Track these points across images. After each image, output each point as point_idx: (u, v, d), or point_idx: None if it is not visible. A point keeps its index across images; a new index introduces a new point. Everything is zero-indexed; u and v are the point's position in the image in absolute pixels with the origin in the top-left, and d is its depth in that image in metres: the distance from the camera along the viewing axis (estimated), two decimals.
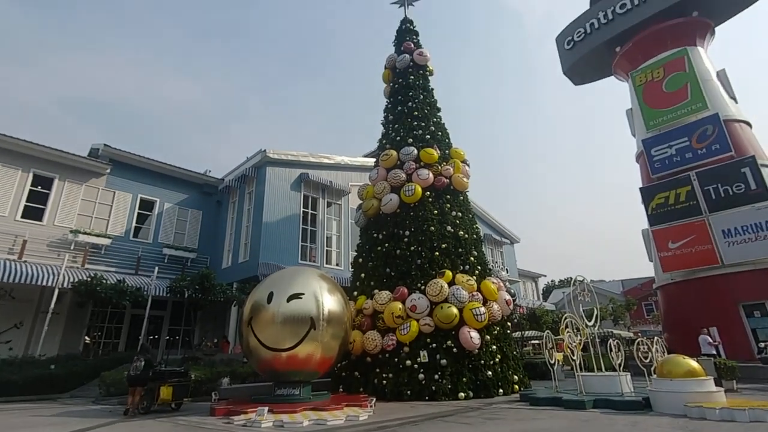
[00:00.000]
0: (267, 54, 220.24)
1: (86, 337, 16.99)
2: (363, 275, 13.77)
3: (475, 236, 13.92)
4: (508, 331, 13.29)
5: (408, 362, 11.10)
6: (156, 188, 20.84)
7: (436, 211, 13.50)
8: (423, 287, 11.97)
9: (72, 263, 16.83)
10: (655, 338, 10.15)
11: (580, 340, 10.33)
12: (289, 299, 8.95)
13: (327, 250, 21.66)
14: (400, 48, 17.48)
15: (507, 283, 17.14)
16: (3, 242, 15.81)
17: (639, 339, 10.38)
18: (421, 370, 10.91)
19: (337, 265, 21.70)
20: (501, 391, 11.08)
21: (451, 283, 11.92)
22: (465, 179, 14.64)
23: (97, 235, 17.95)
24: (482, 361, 11.22)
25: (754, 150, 18.57)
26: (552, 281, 69.27)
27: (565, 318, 10.68)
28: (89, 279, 15.12)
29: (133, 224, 19.74)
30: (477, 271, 12.92)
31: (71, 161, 18.08)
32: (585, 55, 25.34)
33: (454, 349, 11.13)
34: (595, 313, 11.09)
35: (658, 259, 19.25)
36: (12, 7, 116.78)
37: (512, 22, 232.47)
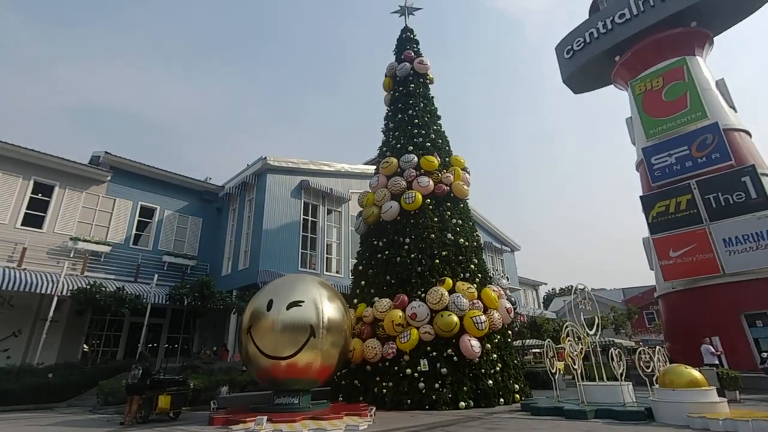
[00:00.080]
0: (268, 62, 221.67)
1: (85, 346, 16.90)
2: (363, 283, 13.74)
3: (475, 244, 13.91)
4: (509, 340, 13.22)
5: (408, 371, 11.03)
6: (156, 195, 20.85)
7: (436, 219, 13.50)
8: (423, 295, 11.93)
9: (71, 271, 16.79)
10: (657, 347, 10.09)
11: (582, 348, 10.27)
12: (288, 307, 8.90)
13: (327, 258, 21.62)
14: (401, 56, 17.61)
15: (507, 291, 17.09)
16: (3, 250, 15.79)
17: (640, 348, 10.31)
18: (422, 378, 10.84)
19: (337, 272, 21.65)
20: (502, 400, 11.00)
21: (451, 291, 11.88)
22: (465, 187, 14.65)
23: (97, 243, 17.93)
24: (483, 370, 11.15)
25: (754, 159, 18.60)
26: (552, 289, 69.02)
27: (566, 327, 10.63)
28: (88, 286, 15.07)
29: (133, 231, 19.72)
30: (477, 279, 12.89)
31: (72, 169, 18.11)
32: (584, 64, 25.50)
33: (455, 358, 11.06)
34: (597, 321, 11.03)
35: (659, 267, 19.20)
36: (14, 15, 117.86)
37: (514, 30, 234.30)
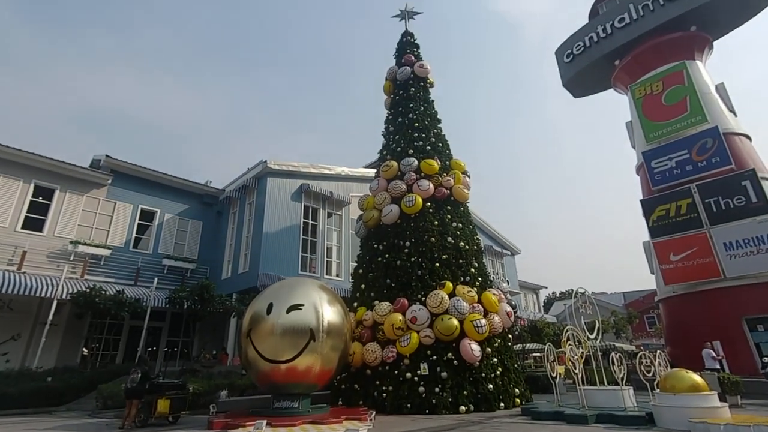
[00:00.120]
0: (269, 65, 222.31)
1: (84, 349, 16.85)
2: (363, 286, 13.72)
3: (475, 247, 13.90)
4: (509, 344, 13.19)
5: (408, 375, 11.00)
6: (157, 199, 20.84)
7: (436, 222, 13.49)
8: (423, 298, 11.91)
9: (71, 274, 16.76)
10: (658, 352, 10.05)
11: (582, 353, 10.24)
12: (288, 310, 8.88)
13: (327, 261, 21.60)
14: (401, 60, 17.67)
15: (508, 295, 17.03)
16: (3, 253, 15.76)
17: (641, 352, 10.28)
18: (422, 382, 10.80)
19: (337, 275, 21.62)
20: (502, 404, 10.96)
21: (451, 295, 11.86)
22: (465, 190, 14.66)
23: (97, 246, 17.90)
24: (483, 374, 11.11)
25: (754, 163, 18.60)
26: (553, 293, 68.97)
27: (567, 330, 10.60)
28: (88, 290, 15.03)
29: (134, 235, 19.70)
30: (478, 283, 12.87)
31: (72, 172, 18.11)
32: (584, 69, 25.53)
33: (455, 362, 11.03)
34: (597, 325, 11.00)
35: (660, 271, 19.16)
36: (16, 20, 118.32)
37: (514, 34, 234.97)
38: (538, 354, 24.70)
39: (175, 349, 20.06)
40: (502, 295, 13.33)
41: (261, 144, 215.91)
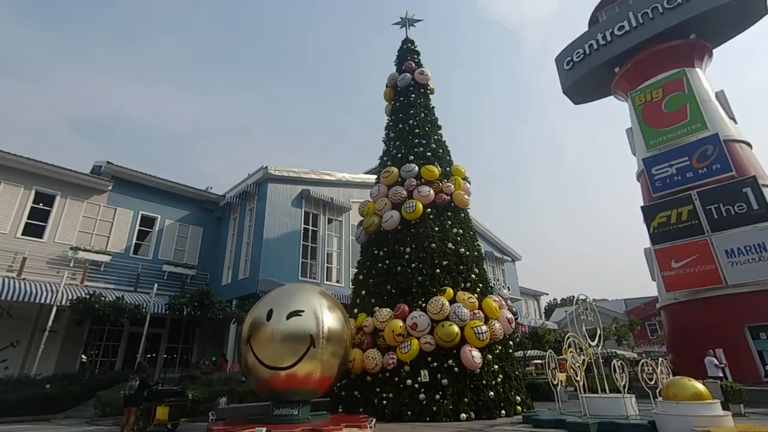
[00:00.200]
0: (270, 72, 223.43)
1: (83, 356, 16.78)
2: (363, 292, 13.67)
3: (476, 253, 13.87)
4: (510, 351, 13.12)
5: (409, 381, 10.93)
6: (157, 205, 20.85)
7: (437, 228, 13.47)
8: (424, 305, 11.86)
9: (71, 280, 16.74)
10: (660, 359, 9.98)
11: (584, 360, 10.17)
12: (288, 316, 8.82)
13: (327, 267, 21.56)
14: (402, 67, 17.74)
15: (508, 302, 17.01)
16: (3, 260, 15.75)
17: (643, 360, 10.21)
18: (422, 389, 10.73)
19: (337, 281, 21.57)
20: (503, 412, 10.88)
21: (452, 301, 11.81)
22: (466, 196, 14.65)
23: (97, 252, 17.89)
24: (484, 381, 11.04)
25: (755, 170, 18.59)
26: (554, 300, 68.72)
27: (568, 337, 10.53)
28: (88, 296, 15.00)
29: (134, 241, 19.70)
30: (478, 289, 12.82)
31: (73, 178, 18.14)
32: (584, 75, 25.63)
33: (456, 369, 10.96)
34: (598, 332, 10.94)
35: (661, 278, 19.10)
36: (18, 25, 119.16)
37: (514, 42, 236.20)
38: (540, 361, 24.60)
39: (175, 355, 19.98)
40: (503, 302, 13.27)
41: (262, 150, 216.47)
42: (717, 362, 14.23)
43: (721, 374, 13.85)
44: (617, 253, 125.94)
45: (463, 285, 12.66)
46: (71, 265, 17.19)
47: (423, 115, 16.36)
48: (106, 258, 18.13)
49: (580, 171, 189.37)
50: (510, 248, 36.65)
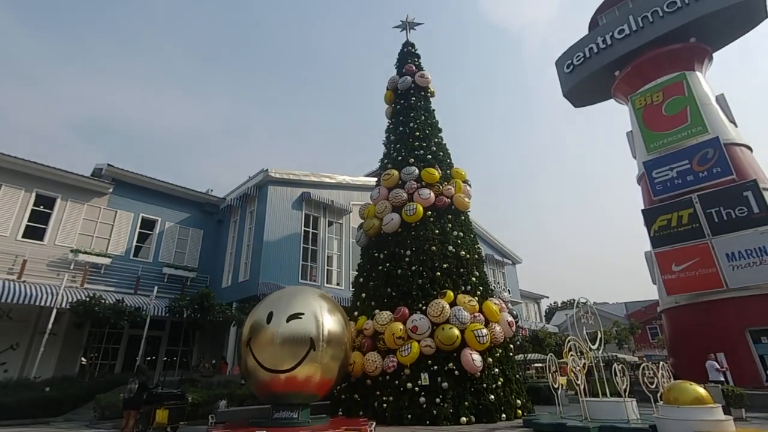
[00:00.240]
0: (271, 76, 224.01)
1: (83, 359, 16.74)
2: (364, 295, 13.66)
3: (476, 256, 13.86)
4: (511, 354, 13.09)
5: (409, 385, 10.90)
6: (157, 207, 20.86)
7: (437, 231, 13.47)
8: (424, 308, 11.85)
9: (71, 283, 16.71)
10: (661, 363, 9.95)
11: (584, 363, 10.14)
12: (288, 319, 8.81)
13: (328, 270, 21.53)
14: (402, 70, 17.81)
15: (509, 305, 16.94)
16: (3, 262, 15.74)
17: (644, 364, 10.19)
18: (422, 393, 10.70)
19: (337, 284, 21.55)
20: (504, 416, 10.84)
21: (452, 304, 11.80)
22: (466, 199, 14.66)
23: (98, 255, 17.88)
24: (484, 385, 11.01)
25: (756, 174, 18.58)
26: (554, 303, 68.66)
27: (569, 341, 10.51)
28: (88, 299, 14.98)
29: (134, 243, 19.69)
30: (479, 292, 12.80)
31: (74, 181, 18.15)
32: (584, 79, 25.66)
33: (456, 372, 10.94)
34: (599, 336, 10.91)
35: (662, 281, 19.06)
36: (19, 29, 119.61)
37: (514, 46, 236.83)
38: (540, 364, 24.50)
39: (175, 358, 19.93)
40: (504, 305, 13.25)
41: (262, 153, 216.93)
42: (718, 366, 14.18)
43: (722, 378, 13.79)
44: (618, 256, 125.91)
45: (463, 288, 12.65)
46: (71, 267, 17.18)
47: (423, 117, 16.39)
48: (106, 260, 18.12)
49: (581, 173, 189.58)
50: (510, 251, 36.64)
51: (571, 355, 10.00)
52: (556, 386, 10.34)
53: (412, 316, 11.70)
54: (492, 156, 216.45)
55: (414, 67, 17.73)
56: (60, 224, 17.59)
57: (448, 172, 15.26)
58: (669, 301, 19.50)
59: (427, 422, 10.28)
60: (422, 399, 10.59)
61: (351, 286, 16.32)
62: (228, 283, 20.83)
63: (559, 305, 67.07)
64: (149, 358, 19.08)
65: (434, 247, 13.04)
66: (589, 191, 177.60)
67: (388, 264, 13.39)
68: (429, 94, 17.51)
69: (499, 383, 11.33)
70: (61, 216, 17.70)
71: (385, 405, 11.00)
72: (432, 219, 13.78)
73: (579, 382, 9.48)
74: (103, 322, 15.44)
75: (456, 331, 11.13)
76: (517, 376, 12.76)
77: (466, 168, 15.74)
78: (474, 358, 10.90)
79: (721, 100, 21.30)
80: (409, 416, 10.46)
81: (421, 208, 13.63)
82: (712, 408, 7.51)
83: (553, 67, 27.97)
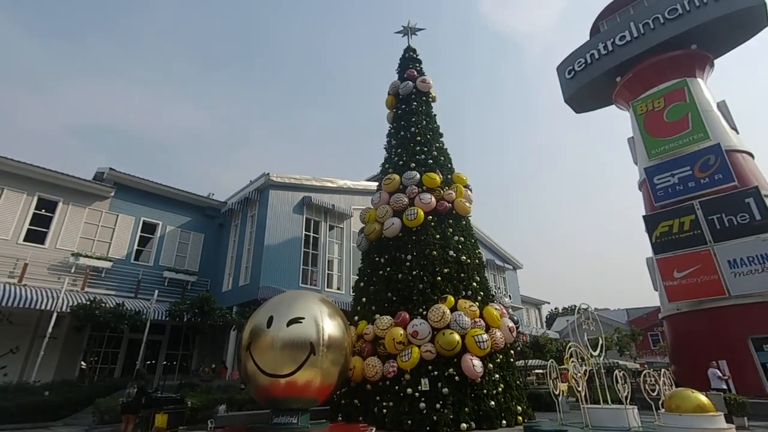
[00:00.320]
0: (272, 80, 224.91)
1: (83, 363, 16.72)
2: (364, 300, 13.63)
3: (477, 261, 13.83)
4: (512, 360, 13.02)
5: (409, 390, 10.85)
6: (159, 211, 20.90)
7: (438, 236, 13.45)
8: (425, 312, 11.81)
9: (72, 286, 16.72)
10: (662, 370, 9.91)
11: (585, 370, 10.10)
12: (289, 323, 8.79)
13: (328, 274, 21.51)
14: (404, 75, 17.86)
15: (510, 310, 16.93)
16: (4, 266, 15.76)
17: (645, 371, 10.16)
18: (423, 398, 10.64)
19: (338, 289, 21.52)
20: (504, 422, 10.76)
21: (453, 309, 11.76)
22: (467, 204, 14.65)
23: (98, 258, 17.90)
24: (485, 391, 10.95)
25: (757, 180, 18.55)
26: (555, 309, 68.46)
27: (570, 347, 10.47)
28: (88, 302, 14.98)
29: (135, 247, 19.71)
30: (479, 297, 12.77)
31: (76, 185, 18.21)
32: (585, 85, 25.69)
33: (456, 378, 10.88)
34: (600, 342, 10.87)
35: (664, 288, 18.98)
36: (23, 34, 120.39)
37: (515, 51, 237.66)
38: (541, 371, 24.41)
39: (174, 362, 19.89)
40: (504, 310, 13.21)
41: (263, 157, 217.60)
42: (720, 374, 14.09)
43: (724, 386, 13.70)
44: (619, 262, 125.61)
45: (464, 293, 12.62)
46: (72, 271, 17.20)
47: (425, 122, 16.43)
48: (107, 264, 18.14)
49: (583, 179, 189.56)
50: (511, 256, 36.58)
51: (572, 362, 9.97)
52: (557, 393, 10.30)
53: (412, 321, 11.66)
54: (493, 161, 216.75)
55: (415, 72, 17.80)
56: (61, 228, 17.62)
57: (449, 176, 15.28)
58: (670, 308, 19.41)
59: (427, 428, 10.21)
60: (422, 404, 10.53)
61: (351, 290, 16.30)
62: (228, 287, 20.82)
63: (560, 311, 66.86)
64: (149, 362, 19.04)
65: (435, 252, 13.02)
66: (590, 197, 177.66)
67: (388, 268, 13.38)
68: (430, 99, 17.57)
69: (500, 389, 11.27)
70: (62, 219, 17.74)
71: (385, 410, 10.94)
72: (433, 224, 13.77)
73: (580, 389, 9.44)
74: (103, 326, 15.43)
75: (456, 337, 11.10)
76: (518, 382, 12.69)
77: (467, 172, 15.77)
78: (474, 364, 10.85)
79: (722, 106, 21.32)
80: (409, 422, 10.40)
81: (422, 213, 13.63)
82: (714, 416, 7.46)
83: (554, 72, 28.04)
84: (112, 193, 19.27)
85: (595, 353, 10.60)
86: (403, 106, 17.03)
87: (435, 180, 14.37)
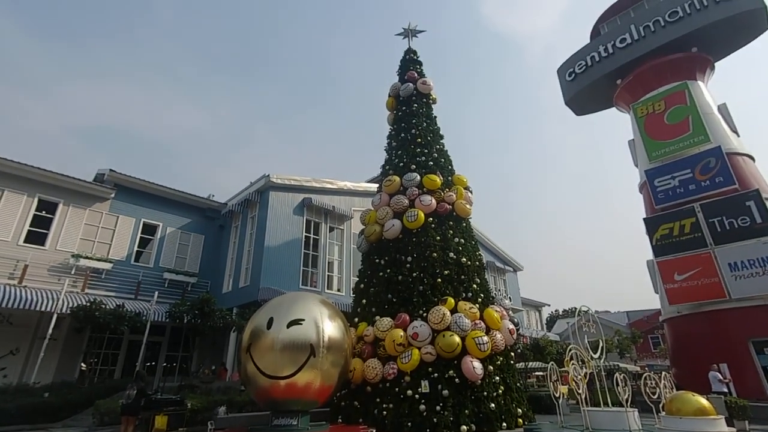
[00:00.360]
0: (272, 81, 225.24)
1: (82, 364, 16.70)
2: (364, 301, 13.61)
3: (477, 263, 13.81)
4: (512, 362, 13.00)
5: (409, 392, 10.82)
6: (159, 212, 20.90)
7: (438, 237, 13.44)
8: (425, 314, 11.79)
9: (72, 288, 16.72)
10: (663, 373, 9.89)
11: (586, 372, 10.08)
12: (289, 325, 8.77)
13: (328, 276, 21.51)
14: (404, 77, 17.86)
15: (510, 312, 16.87)
16: (4, 267, 15.77)
17: (646, 373, 10.14)
18: (423, 400, 10.61)
19: (338, 290, 21.51)
20: (504, 424, 10.73)
21: (453, 311, 11.73)
22: (468, 205, 14.64)
23: (99, 260, 17.90)
24: (485, 393, 10.92)
25: (758, 183, 18.55)
26: (556, 311, 68.40)
27: (570, 350, 10.45)
28: (88, 304, 14.97)
29: (135, 248, 19.71)
30: (480, 299, 12.75)
31: (76, 186, 18.22)
32: (586, 87, 25.71)
33: (457, 380, 10.85)
34: (601, 345, 10.85)
35: (664, 291, 18.96)
36: (23, 35, 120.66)
37: (516, 53, 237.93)
38: (541, 373, 24.34)
39: (174, 364, 19.87)
40: (505, 312, 13.18)
41: (264, 159, 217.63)
42: (721, 377, 14.07)
43: (725, 389, 13.69)
44: (620, 264, 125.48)
45: (464, 295, 12.60)
46: (72, 272, 17.20)
47: (425, 124, 16.42)
48: (107, 265, 18.14)
49: (584, 181, 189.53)
50: (511, 258, 36.55)
51: (573, 364, 9.95)
52: (557, 395, 10.27)
53: (412, 322, 11.64)
54: (494, 163, 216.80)
55: (416, 74, 17.81)
56: (62, 229, 17.63)
57: (450, 178, 15.27)
58: (671, 311, 19.39)
59: (427, 430, 10.18)
60: (422, 407, 10.50)
61: (352, 292, 16.28)
62: (228, 288, 20.81)
63: (561, 313, 66.80)
64: (149, 364, 19.03)
65: (435, 254, 13.01)
66: (591, 199, 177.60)
67: (389, 270, 13.36)
68: (431, 101, 17.57)
69: (500, 391, 11.24)
70: (62, 221, 17.75)
71: (385, 412, 10.91)
72: (433, 225, 13.76)
73: (580, 392, 9.42)
74: (103, 327, 15.40)
75: (457, 339, 11.07)
76: (518, 384, 12.67)
77: (468, 174, 15.75)
78: (475, 366, 10.83)
79: (723, 109, 21.33)
80: (409, 424, 10.37)
81: (422, 215, 13.62)
82: (714, 419, 7.45)
83: (555, 74, 28.06)
84: (113, 195, 19.28)
85: (596, 356, 10.57)
86: (404, 108, 17.03)
87: (435, 182, 14.37)
